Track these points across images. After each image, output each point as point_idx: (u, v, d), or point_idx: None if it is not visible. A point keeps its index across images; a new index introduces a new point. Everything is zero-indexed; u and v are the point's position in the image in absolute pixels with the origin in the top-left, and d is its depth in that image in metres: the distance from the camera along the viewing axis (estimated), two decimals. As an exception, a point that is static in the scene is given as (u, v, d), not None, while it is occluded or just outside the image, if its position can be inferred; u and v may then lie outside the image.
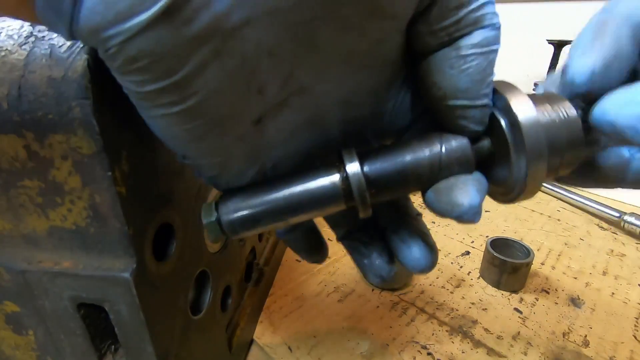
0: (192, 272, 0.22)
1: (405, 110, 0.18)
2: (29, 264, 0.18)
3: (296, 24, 0.13)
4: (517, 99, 0.15)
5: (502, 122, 0.16)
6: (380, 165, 0.16)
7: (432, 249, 0.19)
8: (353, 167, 0.16)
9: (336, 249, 0.46)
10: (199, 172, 0.16)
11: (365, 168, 0.16)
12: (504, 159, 0.16)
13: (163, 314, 0.19)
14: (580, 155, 0.16)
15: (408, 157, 0.16)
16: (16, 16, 0.13)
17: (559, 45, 0.71)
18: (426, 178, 0.16)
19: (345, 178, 0.16)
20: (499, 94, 0.16)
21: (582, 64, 0.15)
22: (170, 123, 0.14)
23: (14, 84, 0.14)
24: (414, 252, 0.19)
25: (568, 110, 0.16)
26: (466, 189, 0.16)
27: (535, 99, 0.16)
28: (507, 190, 0.17)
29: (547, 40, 0.73)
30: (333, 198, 0.16)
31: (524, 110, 0.15)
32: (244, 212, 0.16)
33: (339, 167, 0.16)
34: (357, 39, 0.14)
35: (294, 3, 0.12)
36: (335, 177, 0.16)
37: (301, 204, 0.16)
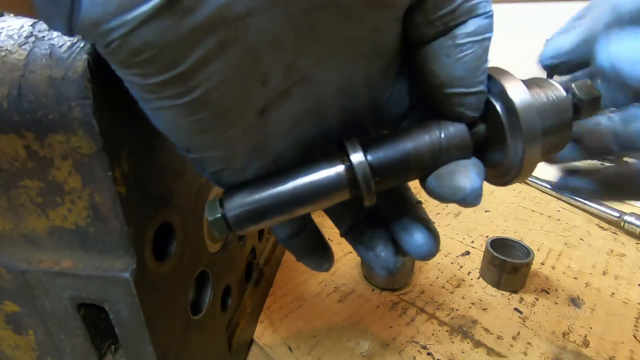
0: (192, 272, 0.22)
1: (402, 99, 0.19)
2: (29, 264, 0.18)
3: (297, 12, 0.13)
4: (511, 84, 0.16)
5: (498, 107, 0.16)
6: (383, 154, 0.17)
7: (434, 235, 0.20)
8: (357, 157, 0.16)
9: (336, 249, 0.46)
10: (202, 167, 0.16)
11: (369, 157, 0.17)
12: (499, 143, 0.17)
13: (163, 314, 0.19)
14: (569, 136, 0.17)
15: (409, 144, 0.17)
16: (12, 9, 0.13)
17: (559, 45, 0.71)
18: (427, 164, 0.17)
19: (350, 167, 0.16)
20: (493, 79, 0.16)
21: (555, 42, 0.20)
22: (174, 115, 0.13)
23: (14, 84, 0.14)
24: (416, 239, 0.19)
25: (558, 93, 0.17)
26: (467, 173, 0.16)
27: (528, 83, 0.17)
28: (502, 173, 0.17)
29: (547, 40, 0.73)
30: (338, 188, 0.17)
31: (519, 95, 0.16)
32: (250, 207, 0.16)
33: (342, 157, 0.17)
34: (356, 27, 0.15)
35: None
36: (339, 168, 0.16)
37: (307, 195, 0.17)
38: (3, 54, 0.15)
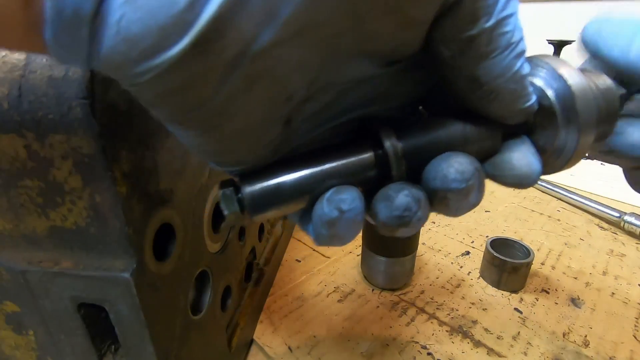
0: (192, 272, 0.22)
1: (416, 90, 0.18)
2: (29, 264, 0.18)
3: (323, 38, 0.13)
4: (565, 69, 0.15)
5: (549, 92, 0.15)
6: (414, 141, 0.16)
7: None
8: (390, 142, 0.16)
9: (336, 249, 0.46)
10: (222, 168, 0.16)
11: (401, 143, 0.16)
12: (545, 129, 0.16)
13: (163, 314, 0.19)
14: (614, 127, 0.17)
15: (441, 132, 0.16)
16: (22, 49, 0.13)
17: (559, 45, 0.71)
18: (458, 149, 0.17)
19: (382, 152, 0.16)
20: (542, 62, 0.16)
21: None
22: (202, 143, 0.14)
23: (14, 84, 0.14)
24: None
25: (606, 81, 0.16)
26: (526, 160, 0.16)
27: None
28: (547, 161, 0.17)
29: (547, 40, 0.73)
30: (367, 170, 0.16)
31: (575, 79, 0.15)
32: (269, 188, 0.15)
33: (370, 142, 0.16)
34: (380, 44, 0.14)
35: (321, 21, 0.12)
36: (369, 153, 0.16)
37: (332, 175, 0.16)
38: (3, 54, 0.15)
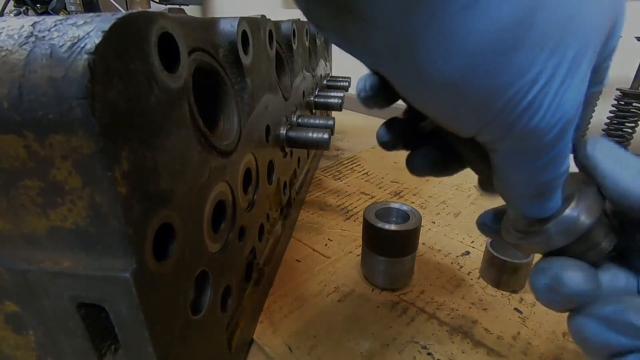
0: (192, 272, 0.22)
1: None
2: (29, 264, 0.18)
3: None
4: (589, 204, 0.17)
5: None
6: None
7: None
8: None
9: (336, 249, 0.46)
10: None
11: None
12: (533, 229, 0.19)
13: (163, 314, 0.19)
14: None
15: None
16: None
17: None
18: None
19: None
20: (582, 185, 0.18)
21: None
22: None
23: (14, 84, 0.14)
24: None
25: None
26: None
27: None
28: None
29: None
30: None
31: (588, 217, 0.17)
32: None
33: None
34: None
35: None
36: None
37: None
38: (3, 54, 0.15)
